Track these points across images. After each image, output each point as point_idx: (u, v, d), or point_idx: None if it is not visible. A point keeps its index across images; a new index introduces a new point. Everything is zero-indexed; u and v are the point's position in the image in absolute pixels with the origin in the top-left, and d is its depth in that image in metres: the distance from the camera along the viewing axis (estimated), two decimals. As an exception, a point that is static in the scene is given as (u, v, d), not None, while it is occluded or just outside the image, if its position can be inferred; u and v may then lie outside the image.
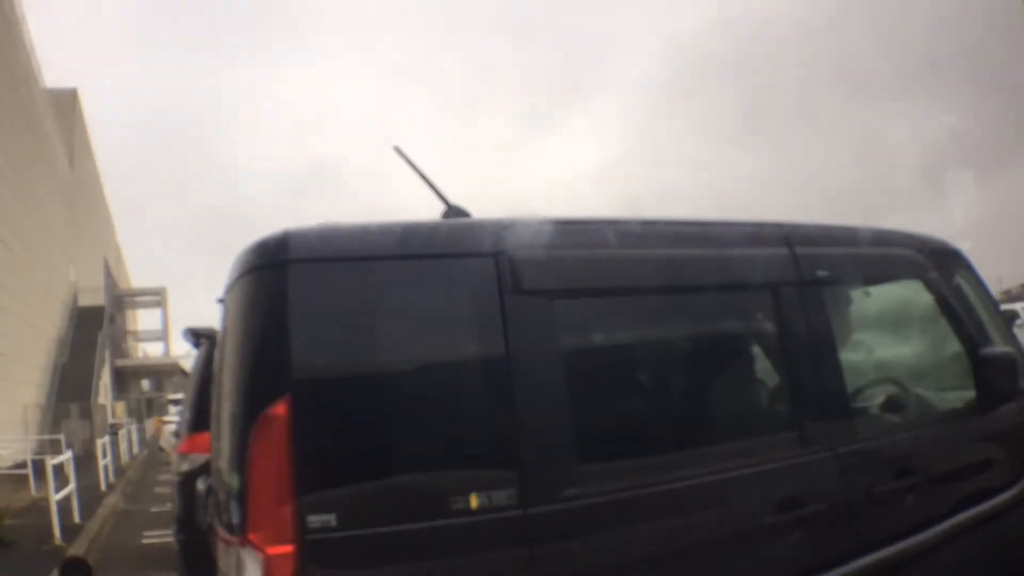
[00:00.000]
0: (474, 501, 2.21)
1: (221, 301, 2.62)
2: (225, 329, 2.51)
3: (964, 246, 3.69)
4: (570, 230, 2.62)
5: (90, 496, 12.21)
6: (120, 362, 43.05)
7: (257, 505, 2.12)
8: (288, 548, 2.06)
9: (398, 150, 3.09)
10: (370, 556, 2.12)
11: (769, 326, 2.96)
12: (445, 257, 2.43)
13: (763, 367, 3.05)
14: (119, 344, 45.63)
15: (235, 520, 2.20)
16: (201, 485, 3.45)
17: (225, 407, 2.36)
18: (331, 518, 2.08)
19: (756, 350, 3.08)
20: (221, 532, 2.40)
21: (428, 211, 2.91)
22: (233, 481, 2.22)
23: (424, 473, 2.24)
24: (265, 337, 2.22)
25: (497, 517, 2.22)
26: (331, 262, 2.29)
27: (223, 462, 2.38)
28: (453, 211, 2.90)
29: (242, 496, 2.15)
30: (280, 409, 2.11)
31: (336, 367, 2.22)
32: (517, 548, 2.25)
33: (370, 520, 2.12)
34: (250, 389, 2.21)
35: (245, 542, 2.13)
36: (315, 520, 2.07)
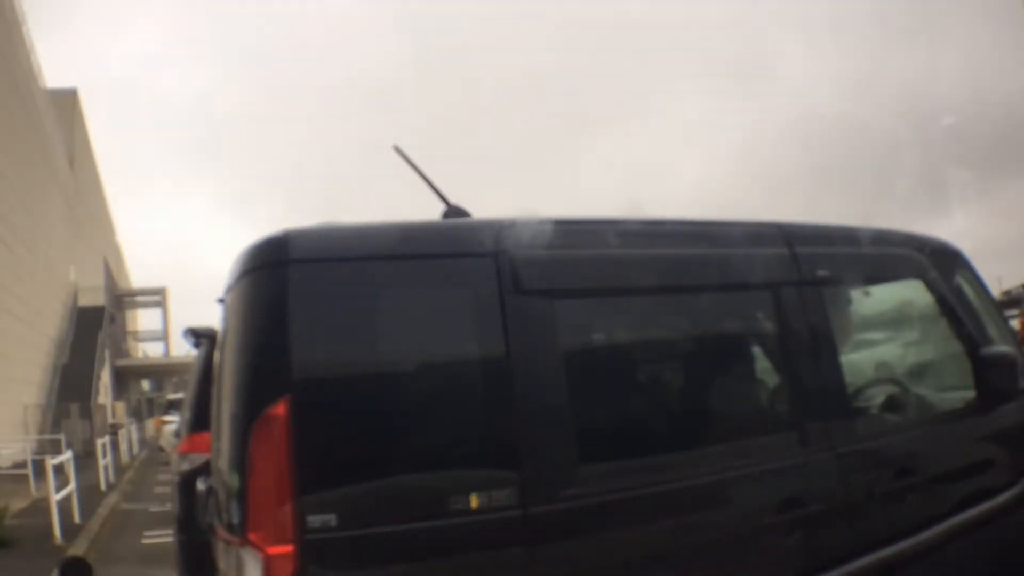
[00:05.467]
0: (474, 501, 2.21)
1: (221, 301, 2.62)
2: (225, 329, 2.51)
3: (964, 246, 3.69)
4: (570, 230, 2.62)
5: (90, 496, 12.22)
6: (120, 362, 43.01)
7: (257, 505, 2.12)
8: (288, 548, 2.06)
9: (398, 150, 3.09)
10: (370, 556, 2.12)
11: (769, 326, 2.96)
12: (445, 257, 2.42)
13: (763, 367, 3.05)
14: (119, 344, 45.60)
15: (235, 520, 2.20)
16: (201, 485, 3.44)
17: (225, 407, 2.36)
18: (331, 518, 2.08)
19: (756, 350, 3.07)
20: (221, 532, 2.40)
21: (428, 211, 2.91)
22: (233, 481, 2.22)
23: (424, 473, 2.24)
24: (265, 337, 2.22)
25: (497, 517, 2.22)
26: (331, 262, 2.29)
27: (223, 462, 2.38)
28: (453, 211, 2.89)
29: (242, 496, 2.15)
30: (280, 409, 2.11)
31: (336, 367, 2.22)
32: (517, 548, 2.25)
33: (370, 520, 2.12)
34: (250, 389, 2.21)
35: (245, 542, 2.13)
36: (315, 520, 2.07)
